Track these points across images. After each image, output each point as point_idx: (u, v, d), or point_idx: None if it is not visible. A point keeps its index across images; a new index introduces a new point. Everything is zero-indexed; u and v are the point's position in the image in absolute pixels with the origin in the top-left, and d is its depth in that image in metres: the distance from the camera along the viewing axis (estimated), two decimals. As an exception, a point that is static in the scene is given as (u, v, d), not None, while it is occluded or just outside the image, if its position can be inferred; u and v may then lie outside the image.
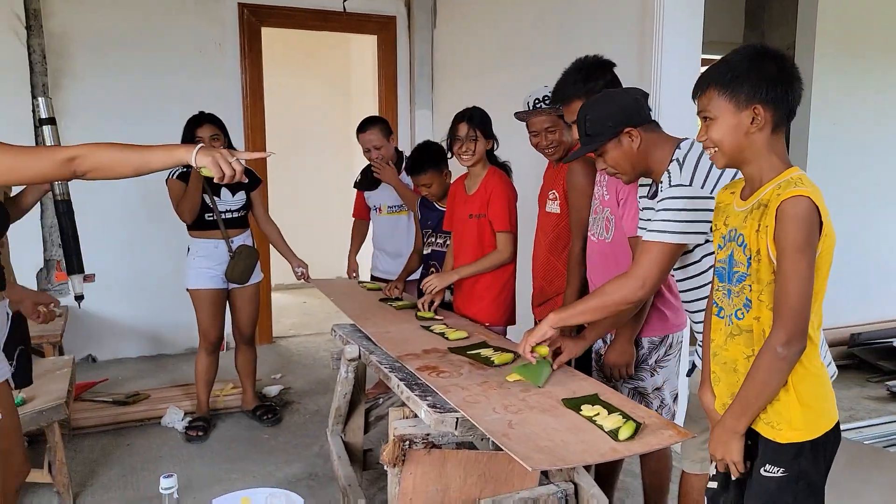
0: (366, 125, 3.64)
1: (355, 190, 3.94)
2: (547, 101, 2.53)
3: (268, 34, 5.08)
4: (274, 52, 5.50)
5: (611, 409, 1.77)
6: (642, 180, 2.05)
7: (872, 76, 4.90)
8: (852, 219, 4.87)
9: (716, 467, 1.68)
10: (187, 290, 3.53)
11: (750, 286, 1.53)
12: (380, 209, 3.78)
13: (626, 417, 1.70)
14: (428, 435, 1.93)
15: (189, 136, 3.34)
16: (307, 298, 6.79)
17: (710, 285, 1.76)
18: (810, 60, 4.66)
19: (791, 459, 1.54)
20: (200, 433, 3.52)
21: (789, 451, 1.53)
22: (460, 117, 2.79)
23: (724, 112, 1.53)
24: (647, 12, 3.12)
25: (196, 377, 3.64)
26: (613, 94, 1.99)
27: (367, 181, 3.79)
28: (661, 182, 1.89)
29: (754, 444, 1.59)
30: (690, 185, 1.81)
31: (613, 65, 2.28)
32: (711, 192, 1.83)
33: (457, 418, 1.82)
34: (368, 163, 3.68)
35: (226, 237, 3.45)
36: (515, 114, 2.65)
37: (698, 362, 2.09)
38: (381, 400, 2.91)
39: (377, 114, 5.43)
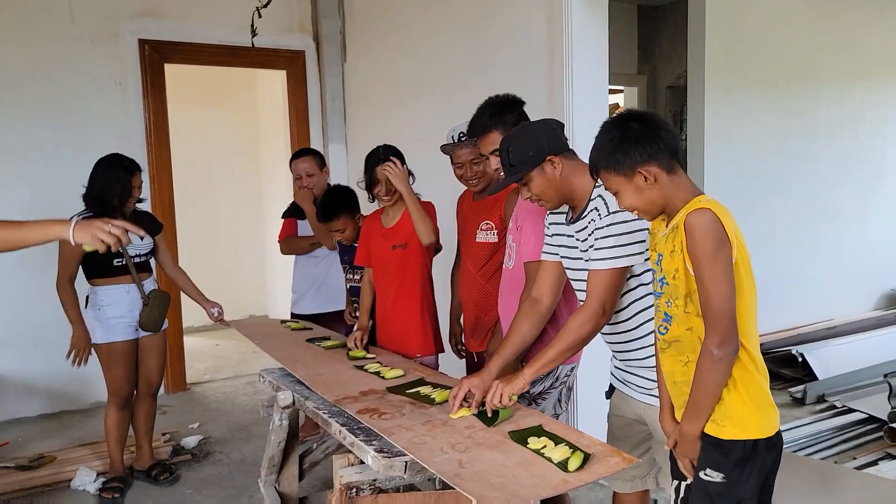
0: (300, 153, 3.68)
1: (283, 219, 3.89)
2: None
3: (171, 70, 4.93)
4: (178, 89, 5.33)
5: (557, 440, 1.80)
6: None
7: (758, 103, 5.29)
8: (750, 235, 5.17)
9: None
10: (94, 344, 3.26)
11: (669, 301, 1.65)
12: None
13: (573, 447, 1.73)
14: (375, 480, 1.90)
15: (126, 185, 3.16)
16: (219, 341, 6.54)
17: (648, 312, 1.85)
18: (701, 90, 4.98)
19: (732, 465, 1.63)
20: (116, 495, 3.30)
21: (731, 454, 1.62)
22: (375, 160, 2.79)
23: (620, 185, 1.68)
24: (555, 49, 3.25)
25: (107, 435, 3.38)
26: (531, 126, 2.06)
27: (300, 210, 3.72)
28: (592, 209, 1.94)
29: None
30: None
31: (523, 102, 2.39)
32: None
33: (405, 462, 1.80)
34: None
35: (138, 282, 3.28)
36: (441, 147, 2.69)
37: (614, 383, 2.15)
38: (315, 445, 2.84)
39: (290, 150, 5.38)
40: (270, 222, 6.28)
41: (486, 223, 2.65)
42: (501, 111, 2.31)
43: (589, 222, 1.95)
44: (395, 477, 1.86)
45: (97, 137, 4.55)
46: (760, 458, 1.65)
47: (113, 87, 4.70)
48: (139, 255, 3.30)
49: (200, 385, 5.24)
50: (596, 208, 1.93)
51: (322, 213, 3.19)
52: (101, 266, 3.21)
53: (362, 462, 1.92)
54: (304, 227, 3.75)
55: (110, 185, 3.14)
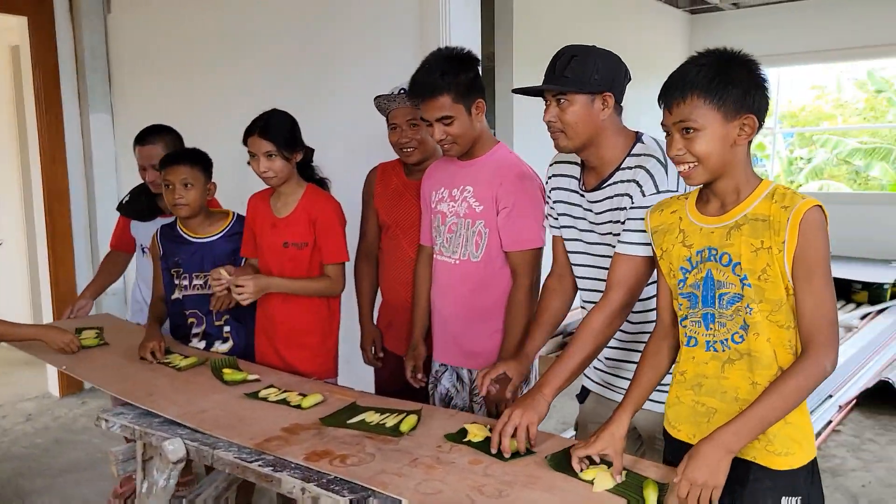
0: (145, 136, 2.74)
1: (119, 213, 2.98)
2: None
3: None
4: None
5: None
6: (563, 170, 1.85)
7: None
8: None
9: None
10: None
11: (748, 307, 1.41)
12: (148, 250, 2.86)
13: (632, 474, 1.46)
14: (376, 551, 1.44)
15: None
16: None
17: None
18: (510, 71, 4.98)
19: (805, 484, 1.46)
20: None
21: (801, 476, 1.46)
22: (252, 128, 2.23)
23: (711, 123, 1.39)
24: (428, 14, 2.89)
25: None
26: (609, 53, 1.71)
27: (137, 208, 2.84)
28: (629, 181, 1.68)
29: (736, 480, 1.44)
30: (676, 191, 1.65)
31: (479, 60, 2.05)
32: None
33: (435, 522, 1.37)
34: (141, 183, 2.82)
35: None
36: (375, 99, 2.22)
37: (591, 385, 1.95)
38: (185, 502, 2.17)
39: (34, 119, 4.23)
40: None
41: None
42: (455, 70, 1.92)
43: (618, 194, 1.69)
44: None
45: None
46: (818, 470, 1.51)
47: None
48: None
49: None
50: (637, 181, 1.65)
51: (169, 157, 2.45)
52: None
53: (357, 529, 1.44)
54: (138, 231, 2.92)
55: None
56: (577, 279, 1.88)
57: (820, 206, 1.36)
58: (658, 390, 1.62)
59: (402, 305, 2.33)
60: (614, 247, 1.70)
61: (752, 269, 1.39)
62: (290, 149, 2.26)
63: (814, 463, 1.48)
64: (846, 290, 6.36)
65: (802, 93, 12.35)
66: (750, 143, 1.44)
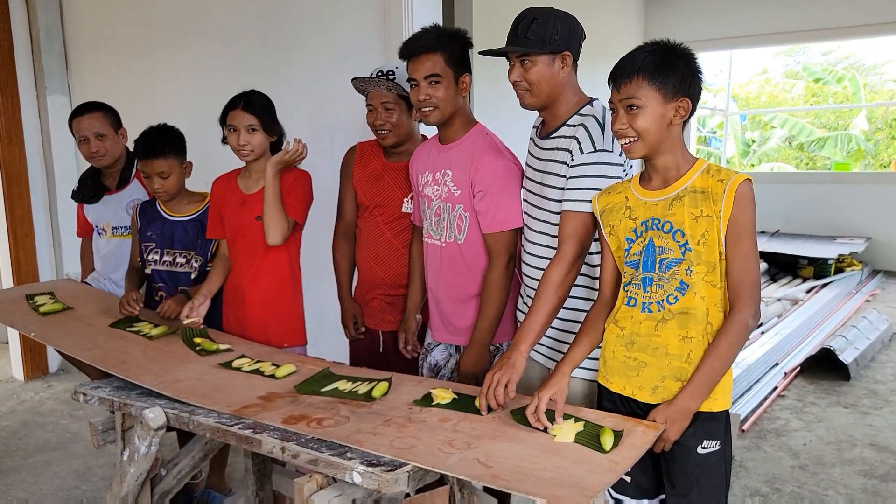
0: (83, 109, 2.76)
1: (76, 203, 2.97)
2: (392, 77, 2.21)
3: None
4: None
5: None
6: (536, 122, 2.00)
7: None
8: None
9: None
10: None
11: (689, 269, 1.57)
12: (103, 230, 2.87)
13: (589, 424, 1.58)
14: (354, 501, 1.53)
15: None
16: None
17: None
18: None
19: (722, 431, 1.63)
20: None
21: (719, 422, 1.63)
22: (235, 102, 2.30)
23: (652, 103, 1.56)
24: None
25: None
26: (567, 14, 1.85)
27: (84, 191, 2.86)
28: (571, 136, 1.81)
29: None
30: (612, 151, 1.78)
31: (470, 43, 2.08)
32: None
33: (408, 472, 1.47)
34: (87, 168, 2.85)
35: None
36: (353, 80, 2.26)
37: (539, 359, 2.02)
38: (164, 471, 2.23)
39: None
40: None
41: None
42: (451, 40, 2.00)
43: (559, 147, 1.83)
44: (373, 492, 1.52)
45: None
46: (730, 423, 1.68)
47: None
48: None
49: None
50: (577, 138, 1.79)
51: (144, 147, 2.45)
52: None
53: (335, 481, 1.54)
54: (90, 213, 2.92)
55: None
56: (531, 236, 1.98)
57: (750, 180, 1.54)
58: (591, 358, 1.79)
59: (377, 283, 2.38)
60: (543, 196, 1.87)
61: (693, 235, 1.56)
62: (271, 126, 2.33)
63: (727, 413, 1.64)
64: (793, 266, 6.65)
65: (755, 77, 12.70)
66: (685, 124, 1.61)
